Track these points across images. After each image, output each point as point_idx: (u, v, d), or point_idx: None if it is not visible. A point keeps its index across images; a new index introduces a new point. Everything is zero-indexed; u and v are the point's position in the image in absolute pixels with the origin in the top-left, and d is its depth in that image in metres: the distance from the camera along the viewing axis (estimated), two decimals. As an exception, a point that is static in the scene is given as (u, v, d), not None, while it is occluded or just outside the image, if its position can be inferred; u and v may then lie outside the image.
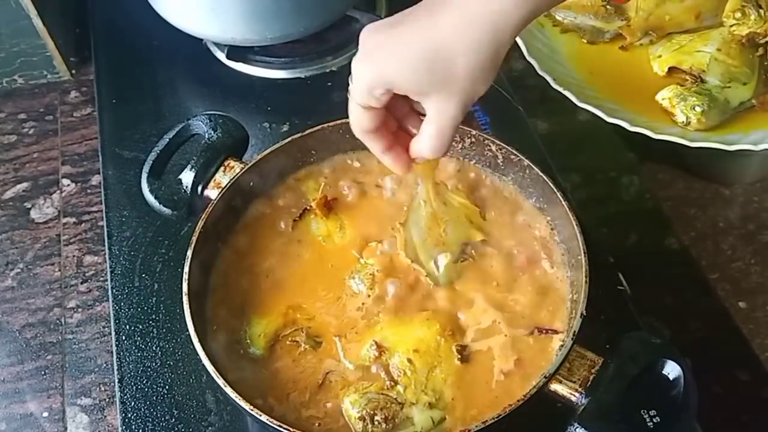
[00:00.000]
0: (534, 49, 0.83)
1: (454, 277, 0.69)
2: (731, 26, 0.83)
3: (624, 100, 0.82)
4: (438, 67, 0.53)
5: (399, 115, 0.61)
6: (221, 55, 1.01)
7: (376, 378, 0.64)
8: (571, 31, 0.89)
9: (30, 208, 0.94)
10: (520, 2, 0.52)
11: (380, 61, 0.55)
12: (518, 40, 0.82)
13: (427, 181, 0.71)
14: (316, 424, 0.62)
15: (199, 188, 0.73)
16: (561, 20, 0.89)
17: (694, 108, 0.78)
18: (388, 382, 0.64)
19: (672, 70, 0.85)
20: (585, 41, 0.89)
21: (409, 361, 0.64)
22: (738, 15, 0.83)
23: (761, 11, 0.82)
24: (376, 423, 0.61)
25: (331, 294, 0.69)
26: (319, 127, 0.75)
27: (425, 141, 0.58)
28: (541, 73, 0.80)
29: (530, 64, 0.85)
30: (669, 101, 0.79)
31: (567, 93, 0.78)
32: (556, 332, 0.65)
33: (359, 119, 0.59)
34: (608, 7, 0.88)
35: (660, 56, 0.85)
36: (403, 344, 0.65)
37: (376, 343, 0.65)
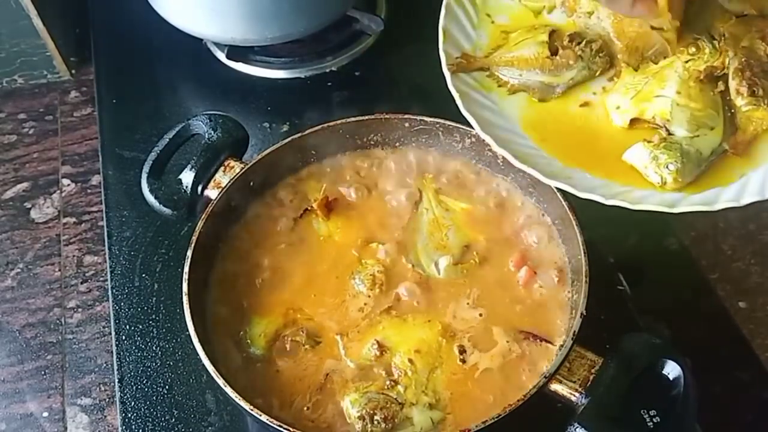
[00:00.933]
0: (486, 123, 0.74)
1: (454, 278, 0.69)
2: (686, 62, 0.75)
3: (592, 166, 0.73)
4: None
5: None
6: (221, 55, 1.01)
7: (377, 377, 0.64)
8: (520, 90, 0.81)
9: (30, 208, 0.94)
10: None
11: None
12: (467, 115, 0.72)
13: (428, 190, 0.75)
14: (317, 424, 0.62)
15: (199, 188, 0.73)
16: (506, 80, 0.80)
17: (667, 166, 0.70)
18: (388, 382, 0.64)
19: (633, 121, 0.78)
20: (535, 100, 0.81)
21: (410, 361, 0.64)
22: (692, 50, 0.78)
23: (715, 43, 0.77)
24: (375, 422, 0.61)
25: (332, 294, 0.69)
26: (319, 127, 0.75)
27: None
28: (499, 152, 0.73)
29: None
30: (640, 161, 0.72)
31: (531, 171, 0.71)
32: (550, 342, 0.65)
33: None
34: (554, 58, 0.81)
35: (618, 107, 0.77)
36: (405, 344, 0.65)
37: (377, 342, 0.65)
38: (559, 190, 0.69)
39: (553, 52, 0.78)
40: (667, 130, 0.72)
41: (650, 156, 0.70)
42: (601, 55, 0.76)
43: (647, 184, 0.71)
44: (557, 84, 0.77)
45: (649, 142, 0.71)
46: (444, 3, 0.79)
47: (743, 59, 0.73)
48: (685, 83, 0.74)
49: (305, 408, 0.63)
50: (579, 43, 0.76)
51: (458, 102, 0.72)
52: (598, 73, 0.77)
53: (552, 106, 0.78)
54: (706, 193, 0.70)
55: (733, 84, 0.74)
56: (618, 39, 0.78)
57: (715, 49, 0.75)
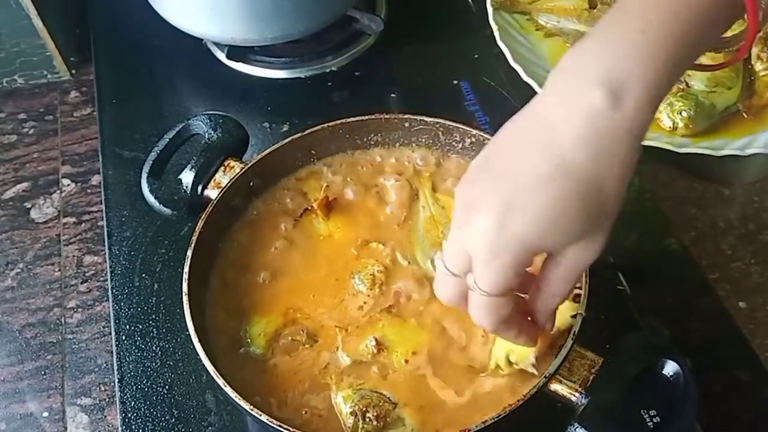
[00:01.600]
0: (518, 56, 0.82)
1: None
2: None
3: None
4: (590, 203, 0.44)
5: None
6: (221, 55, 1.01)
7: (372, 375, 0.64)
8: (555, 35, 0.87)
9: (30, 208, 0.94)
10: (648, 109, 0.44)
11: (520, 223, 0.43)
12: (502, 45, 0.81)
13: (425, 188, 0.75)
14: (316, 423, 0.62)
15: (199, 188, 0.73)
16: (544, 24, 0.87)
17: (680, 113, 0.76)
18: (382, 381, 0.64)
19: None
20: (569, 45, 0.87)
21: (407, 362, 0.64)
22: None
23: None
24: (367, 420, 0.61)
25: (332, 293, 0.69)
26: (319, 127, 0.75)
27: (558, 289, 0.48)
28: (526, 79, 0.79)
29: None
30: None
31: None
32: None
33: (496, 310, 0.48)
34: (592, 11, 0.87)
35: None
36: (402, 345, 0.65)
37: (375, 339, 0.65)
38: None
39: (592, 6, 0.83)
40: (686, 83, 0.76)
41: (666, 102, 0.76)
42: None
43: (659, 129, 0.76)
44: None
45: None
46: None
47: None
48: None
49: (305, 406, 0.63)
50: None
51: (495, 34, 0.81)
52: None
53: None
54: (714, 141, 0.74)
55: (755, 50, 0.79)
56: None
57: (743, 20, 0.78)
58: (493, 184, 0.45)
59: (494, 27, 0.82)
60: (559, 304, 0.53)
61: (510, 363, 0.63)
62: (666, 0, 0.44)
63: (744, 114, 0.79)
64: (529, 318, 0.54)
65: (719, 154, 0.74)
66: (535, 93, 0.79)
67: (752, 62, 0.81)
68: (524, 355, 0.62)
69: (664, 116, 0.76)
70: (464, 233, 0.46)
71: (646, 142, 0.71)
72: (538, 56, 0.86)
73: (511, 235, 0.44)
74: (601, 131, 0.43)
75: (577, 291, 0.65)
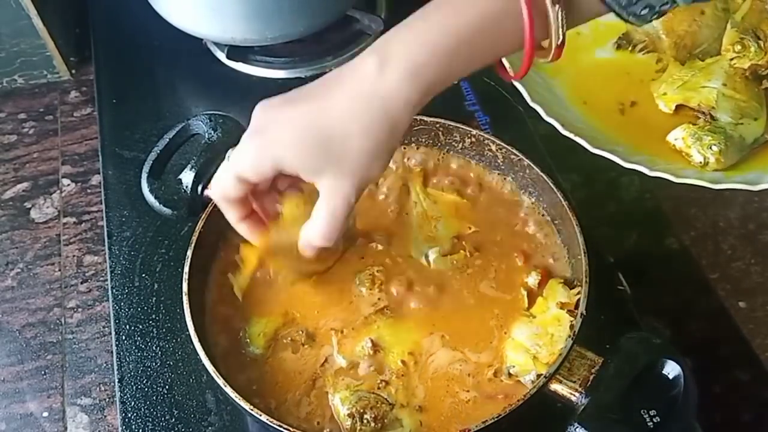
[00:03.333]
0: (536, 94, 0.79)
1: (444, 269, 0.70)
2: (731, 59, 0.79)
3: (637, 143, 0.77)
4: (332, 147, 0.52)
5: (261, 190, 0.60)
6: (221, 55, 1.01)
7: (369, 377, 0.64)
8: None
9: (30, 208, 0.94)
10: (407, 84, 0.51)
11: (272, 138, 0.54)
12: (518, 85, 0.78)
13: (416, 183, 0.75)
14: (316, 423, 0.62)
15: (199, 188, 0.73)
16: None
17: (710, 147, 0.73)
18: (380, 382, 0.64)
19: (679, 107, 0.80)
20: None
21: (403, 363, 0.65)
22: (738, 48, 0.78)
23: (760, 42, 0.78)
24: (365, 421, 0.61)
25: (331, 293, 0.69)
26: (319, 127, 0.75)
27: (316, 224, 0.55)
28: (548, 119, 0.75)
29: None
30: (683, 141, 0.75)
31: (578, 139, 0.74)
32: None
33: (227, 188, 0.58)
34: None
35: (665, 94, 0.81)
36: (399, 346, 0.65)
37: (372, 341, 0.65)
38: (560, 189, 0.69)
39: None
40: (712, 116, 0.75)
41: (694, 136, 0.74)
42: None
43: (689, 165, 0.74)
44: None
45: (694, 124, 0.73)
46: None
47: None
48: (731, 77, 0.76)
49: (305, 406, 0.63)
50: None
51: (510, 72, 0.75)
52: None
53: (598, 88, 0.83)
54: (747, 174, 0.72)
55: None
56: (666, 36, 0.80)
57: (761, 49, 0.78)
58: (280, 115, 0.55)
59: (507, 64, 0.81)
60: (319, 243, 0.57)
61: (510, 375, 0.63)
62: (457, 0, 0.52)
63: None
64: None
65: (756, 188, 0.71)
66: (557, 132, 0.79)
67: None
68: (526, 369, 0.62)
69: (694, 152, 0.73)
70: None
71: (680, 180, 0.71)
72: (555, 95, 0.82)
73: (263, 140, 0.54)
74: (363, 91, 0.52)
75: (575, 293, 0.65)
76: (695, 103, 0.77)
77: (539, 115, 0.81)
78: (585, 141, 0.73)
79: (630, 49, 0.86)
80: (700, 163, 0.73)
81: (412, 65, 0.52)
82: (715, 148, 0.73)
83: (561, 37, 0.53)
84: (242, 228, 0.61)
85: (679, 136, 0.75)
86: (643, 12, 0.53)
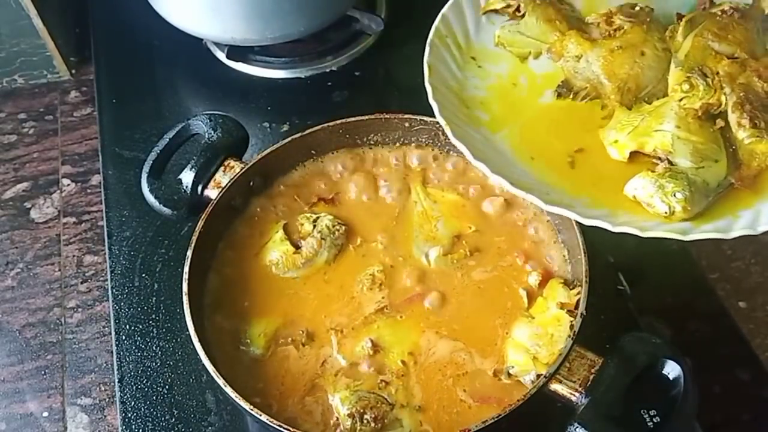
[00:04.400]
0: (478, 152, 0.71)
1: (444, 268, 0.70)
2: (680, 100, 0.73)
3: (594, 196, 0.70)
4: None
5: None
6: (221, 55, 1.01)
7: (369, 377, 0.64)
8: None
9: (30, 208, 0.94)
10: None
11: None
12: (458, 144, 0.70)
13: (416, 183, 0.75)
14: (316, 423, 0.62)
15: (199, 188, 0.73)
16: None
17: (674, 195, 0.66)
18: (380, 382, 0.64)
19: (633, 154, 0.72)
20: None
21: (403, 363, 0.65)
22: (685, 87, 0.73)
23: (708, 80, 0.72)
24: (365, 421, 0.61)
25: (331, 293, 0.69)
26: (319, 127, 0.75)
27: None
28: (494, 179, 0.69)
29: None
30: (644, 190, 0.68)
31: (530, 197, 0.66)
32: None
33: None
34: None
35: (616, 141, 0.73)
36: (399, 346, 0.65)
37: (372, 341, 0.65)
38: (559, 190, 0.69)
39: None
40: (670, 161, 0.69)
41: (656, 185, 0.67)
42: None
43: (653, 216, 0.68)
44: None
45: (652, 171, 0.68)
46: (428, 40, 0.79)
47: (742, 94, 0.70)
48: (683, 119, 0.70)
49: (304, 406, 0.63)
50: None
51: (447, 131, 0.70)
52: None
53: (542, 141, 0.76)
54: (717, 222, 0.67)
55: (733, 117, 0.71)
56: (609, 80, 0.76)
57: (709, 86, 0.72)
58: None
59: (443, 123, 0.71)
60: None
61: (510, 375, 0.63)
62: None
63: (738, 186, 0.72)
64: None
65: (729, 237, 0.66)
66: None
67: (732, 131, 0.73)
68: (526, 369, 0.62)
69: (657, 201, 0.66)
70: None
71: (646, 234, 0.64)
72: (498, 151, 0.75)
73: None
74: None
75: (575, 293, 0.65)
76: (650, 148, 0.70)
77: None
78: (537, 198, 0.68)
79: (571, 97, 0.80)
80: (665, 213, 0.65)
81: None
82: (679, 196, 0.64)
83: None
84: None
85: (638, 186, 0.67)
86: None
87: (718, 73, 0.73)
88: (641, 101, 0.76)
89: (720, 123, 0.71)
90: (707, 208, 0.68)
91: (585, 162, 0.74)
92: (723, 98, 0.71)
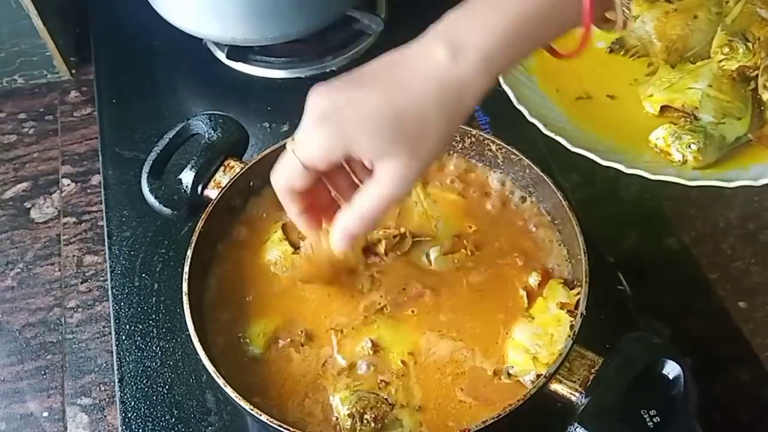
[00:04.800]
0: (522, 97, 0.81)
1: (444, 268, 0.70)
2: (720, 61, 0.80)
3: (617, 142, 0.79)
4: (408, 129, 0.52)
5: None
6: (221, 55, 1.01)
7: (369, 377, 0.64)
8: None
9: (30, 208, 0.94)
10: (480, 73, 0.53)
11: (344, 121, 0.53)
12: (505, 87, 0.79)
13: (416, 183, 0.73)
14: (316, 423, 0.62)
15: (199, 188, 0.73)
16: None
17: (689, 146, 0.74)
18: (380, 382, 0.64)
19: (664, 108, 0.82)
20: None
21: (403, 363, 0.64)
22: (726, 50, 0.80)
23: (749, 44, 0.79)
24: (365, 421, 0.61)
25: (331, 293, 0.69)
26: (319, 127, 0.75)
27: (366, 205, 0.54)
28: (531, 120, 0.77)
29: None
30: (664, 140, 0.76)
31: (559, 138, 0.75)
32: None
33: (292, 178, 0.57)
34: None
35: (651, 95, 0.82)
36: (399, 346, 0.65)
37: (371, 341, 0.65)
38: (560, 189, 0.69)
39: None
40: (695, 116, 0.75)
41: (674, 135, 0.75)
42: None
43: (669, 164, 0.75)
44: None
45: (675, 124, 0.75)
46: None
47: None
48: (718, 79, 0.77)
49: (304, 406, 0.63)
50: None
51: (500, 77, 0.78)
52: None
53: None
54: (726, 172, 0.73)
55: (761, 80, 0.77)
56: (659, 40, 0.81)
57: (749, 50, 0.78)
58: (349, 100, 0.53)
59: None
60: (358, 230, 0.57)
61: (510, 375, 0.63)
62: None
63: (755, 143, 0.78)
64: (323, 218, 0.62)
65: (732, 185, 0.73)
66: (540, 133, 0.80)
67: (759, 92, 0.79)
68: (525, 369, 0.62)
69: (674, 150, 0.75)
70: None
71: (657, 177, 0.72)
72: (542, 96, 0.84)
73: (335, 122, 0.53)
74: (438, 77, 0.53)
75: (575, 294, 0.65)
76: (679, 104, 0.79)
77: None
78: (566, 140, 0.74)
79: (623, 53, 0.87)
80: (679, 161, 0.75)
81: (485, 54, 0.53)
82: (693, 147, 0.74)
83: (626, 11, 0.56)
84: (301, 221, 0.61)
85: (660, 135, 0.77)
86: None
87: (759, 38, 0.77)
88: (686, 61, 0.82)
89: (753, 85, 0.77)
90: (720, 161, 0.76)
91: (618, 110, 0.83)
92: (759, 62, 0.75)
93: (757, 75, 0.79)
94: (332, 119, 0.53)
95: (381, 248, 0.70)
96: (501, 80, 0.78)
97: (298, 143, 0.55)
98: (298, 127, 0.55)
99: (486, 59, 0.53)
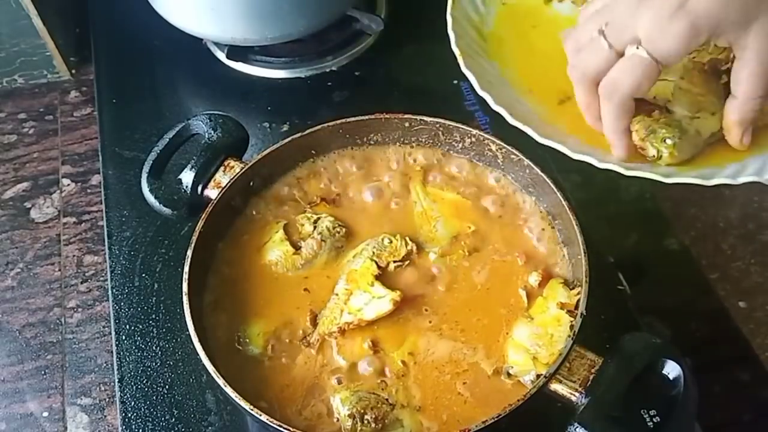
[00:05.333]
0: (485, 83, 0.77)
1: (444, 268, 0.70)
2: (691, 54, 0.79)
3: (588, 134, 0.75)
4: None
5: None
6: (221, 55, 1.01)
7: (369, 377, 0.64)
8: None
9: (30, 208, 0.94)
10: None
11: (696, 9, 0.49)
12: (467, 73, 0.76)
13: (416, 183, 0.75)
14: (316, 423, 0.62)
15: (199, 188, 0.73)
16: None
17: (665, 140, 0.70)
18: (380, 382, 0.64)
19: (636, 100, 0.80)
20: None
21: (403, 363, 0.64)
22: None
23: None
24: (365, 422, 0.61)
25: (330, 293, 0.69)
26: (319, 127, 0.75)
27: (752, 87, 0.53)
28: (496, 108, 0.75)
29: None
30: (637, 134, 0.72)
31: (526, 129, 0.73)
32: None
33: (643, 83, 0.54)
34: None
35: None
36: (399, 346, 0.65)
37: (372, 342, 0.65)
38: (560, 189, 0.69)
39: None
40: (668, 109, 0.73)
41: (648, 129, 0.71)
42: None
43: (643, 158, 0.72)
44: None
45: (648, 116, 0.72)
46: None
47: None
48: (689, 71, 0.75)
49: (304, 406, 0.63)
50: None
51: (459, 60, 0.76)
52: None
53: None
54: (702, 170, 0.71)
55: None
56: None
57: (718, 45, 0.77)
58: None
59: (457, 53, 0.78)
60: (758, 107, 0.56)
61: (510, 375, 0.63)
62: None
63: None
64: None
65: (709, 183, 0.70)
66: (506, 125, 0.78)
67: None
68: (525, 369, 0.62)
69: (648, 145, 0.71)
70: (633, 11, 0.51)
71: (630, 173, 0.69)
72: (505, 82, 0.80)
73: (691, 8, 0.49)
74: None
75: (576, 293, 0.65)
76: (651, 95, 0.76)
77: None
78: (532, 131, 0.72)
79: None
80: (653, 156, 0.72)
81: None
82: (669, 142, 0.71)
83: None
84: (620, 144, 0.59)
85: (633, 129, 0.75)
86: None
87: None
88: None
89: (725, 78, 0.75)
90: (696, 157, 0.72)
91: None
92: (730, 55, 0.74)
93: (729, 68, 0.77)
94: (684, 9, 0.50)
95: (390, 267, 0.69)
96: (462, 66, 0.76)
97: (647, 38, 0.52)
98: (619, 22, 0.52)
99: None
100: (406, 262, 0.70)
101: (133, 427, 0.71)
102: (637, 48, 0.52)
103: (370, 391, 0.63)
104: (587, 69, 0.56)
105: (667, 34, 0.51)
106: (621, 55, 0.55)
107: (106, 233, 0.85)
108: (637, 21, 0.52)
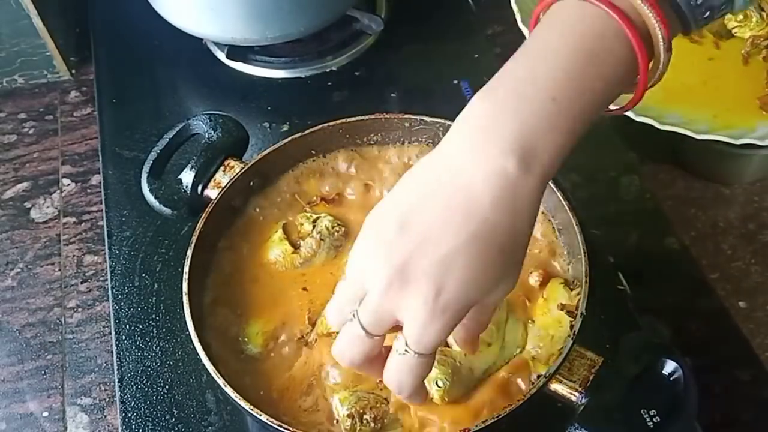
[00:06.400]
0: (526, 18, 0.84)
1: None
2: (733, 29, 0.80)
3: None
4: (509, 253, 0.47)
5: None
6: (221, 55, 1.01)
7: (368, 377, 0.64)
8: None
9: (30, 208, 0.94)
10: (542, 186, 0.48)
11: (455, 286, 0.45)
12: (524, 29, 0.82)
13: None
14: (315, 423, 0.62)
15: (199, 188, 0.73)
16: None
17: (436, 382, 0.60)
18: (379, 382, 0.63)
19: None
20: None
21: None
22: (740, 17, 0.81)
23: (763, 14, 0.80)
24: (364, 422, 0.61)
25: (330, 293, 0.69)
26: (319, 126, 0.75)
27: (479, 327, 0.52)
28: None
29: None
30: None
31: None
32: None
33: (423, 369, 0.49)
34: None
35: None
36: None
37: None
38: (560, 189, 0.69)
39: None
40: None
41: None
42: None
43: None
44: None
45: None
46: None
47: None
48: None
49: (303, 406, 0.63)
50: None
51: (517, 17, 0.81)
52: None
53: None
54: (732, 131, 0.73)
55: None
56: None
57: (762, 20, 0.78)
58: (423, 249, 0.46)
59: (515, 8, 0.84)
60: (478, 333, 0.56)
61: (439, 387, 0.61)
62: (572, 68, 0.47)
63: (762, 108, 0.77)
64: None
65: (739, 142, 0.70)
66: None
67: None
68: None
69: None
70: (393, 298, 0.46)
71: (665, 127, 0.72)
72: None
73: (450, 298, 0.46)
74: (516, 193, 0.46)
75: (576, 294, 0.65)
76: None
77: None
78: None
79: None
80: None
81: (561, 149, 0.48)
82: (440, 384, 0.61)
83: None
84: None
85: None
86: (705, 16, 0.49)
87: None
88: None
89: (764, 53, 0.76)
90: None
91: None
92: None
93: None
94: (442, 297, 0.45)
95: None
96: (520, 23, 0.81)
97: (414, 341, 0.47)
98: (368, 304, 0.47)
99: (561, 154, 0.48)
100: None
101: (133, 427, 0.71)
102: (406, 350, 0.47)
103: (369, 390, 0.63)
104: (349, 362, 0.51)
105: (428, 333, 0.46)
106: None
107: (106, 233, 0.85)
108: (399, 313, 0.47)
